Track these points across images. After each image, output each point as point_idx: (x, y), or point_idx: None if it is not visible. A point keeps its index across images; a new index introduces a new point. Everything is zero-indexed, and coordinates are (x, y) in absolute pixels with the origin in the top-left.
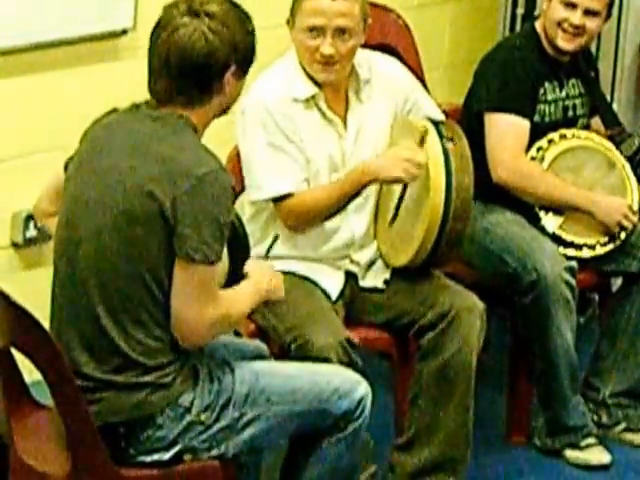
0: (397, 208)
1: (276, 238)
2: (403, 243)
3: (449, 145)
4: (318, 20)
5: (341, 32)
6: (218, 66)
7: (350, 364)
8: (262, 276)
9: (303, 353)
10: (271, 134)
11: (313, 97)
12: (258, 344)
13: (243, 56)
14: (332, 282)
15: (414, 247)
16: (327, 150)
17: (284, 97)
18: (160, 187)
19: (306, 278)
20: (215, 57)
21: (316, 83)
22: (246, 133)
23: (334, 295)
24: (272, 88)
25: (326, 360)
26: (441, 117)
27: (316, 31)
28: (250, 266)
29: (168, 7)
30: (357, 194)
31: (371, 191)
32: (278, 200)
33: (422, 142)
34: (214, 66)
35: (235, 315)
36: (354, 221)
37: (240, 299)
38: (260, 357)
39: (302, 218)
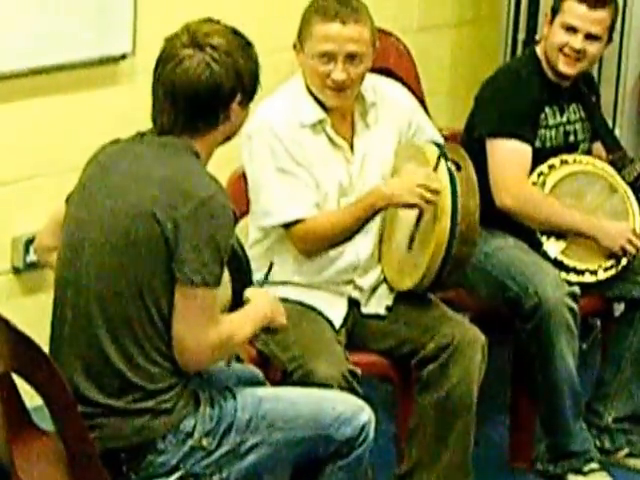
0: (413, 234)
1: (271, 266)
2: (409, 266)
3: (454, 168)
4: (329, 46)
5: (352, 57)
6: (224, 96)
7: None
8: (263, 302)
9: (305, 384)
10: (280, 159)
11: (320, 122)
12: (253, 369)
13: (248, 84)
14: (335, 310)
15: (420, 271)
16: (336, 175)
17: (291, 122)
18: (162, 210)
19: (309, 306)
20: (221, 88)
21: (323, 108)
22: (253, 158)
23: (337, 324)
24: (279, 112)
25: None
26: (441, 141)
27: (327, 57)
28: (251, 292)
29: (170, 39)
30: (370, 218)
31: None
32: (289, 225)
33: (437, 167)
34: (220, 96)
35: (237, 339)
36: (359, 244)
37: (242, 323)
38: (257, 383)
39: (314, 243)
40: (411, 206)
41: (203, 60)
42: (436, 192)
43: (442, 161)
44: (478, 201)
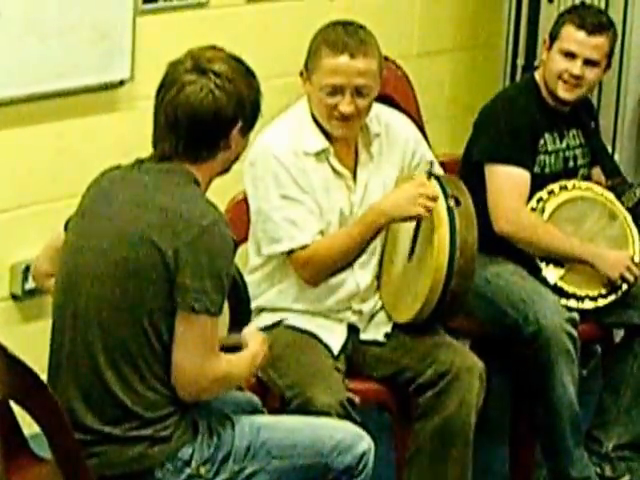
0: (413, 243)
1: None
2: (407, 300)
3: (453, 203)
4: (337, 80)
5: (360, 90)
6: (226, 123)
7: None
8: (259, 349)
9: (303, 411)
10: (284, 186)
11: (323, 151)
12: (251, 396)
13: (249, 112)
14: (334, 336)
15: (418, 304)
16: (338, 203)
17: (295, 150)
18: (162, 237)
19: (308, 332)
20: (223, 114)
21: (326, 137)
22: (257, 185)
23: (336, 350)
24: (282, 140)
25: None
26: (440, 172)
27: (335, 90)
28: (249, 335)
29: (173, 64)
30: (373, 238)
31: (376, 246)
32: (292, 252)
33: (429, 176)
34: (222, 123)
35: (236, 375)
36: (359, 275)
37: (241, 363)
38: (255, 411)
39: (317, 268)
40: (413, 218)
41: (206, 86)
42: (434, 199)
43: (432, 176)
44: (476, 235)
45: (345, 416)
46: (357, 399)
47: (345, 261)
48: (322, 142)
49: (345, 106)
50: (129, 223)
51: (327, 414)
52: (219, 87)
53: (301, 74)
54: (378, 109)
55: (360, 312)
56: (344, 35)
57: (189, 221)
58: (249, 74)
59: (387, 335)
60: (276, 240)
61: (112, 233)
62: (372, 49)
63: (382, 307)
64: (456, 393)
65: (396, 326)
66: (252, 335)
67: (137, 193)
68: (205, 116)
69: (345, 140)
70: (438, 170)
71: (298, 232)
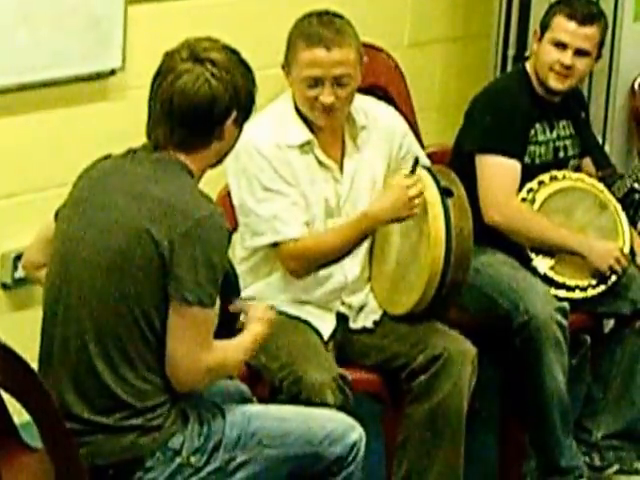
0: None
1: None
2: (403, 293)
3: (447, 195)
4: (315, 72)
5: (339, 80)
6: (220, 112)
7: (344, 400)
8: (260, 332)
9: (296, 390)
10: (268, 179)
11: (307, 143)
12: (241, 385)
13: (244, 103)
14: (324, 323)
15: (415, 297)
16: (323, 194)
17: (279, 142)
18: (157, 228)
19: (298, 318)
20: (218, 103)
21: (310, 129)
22: (240, 178)
23: (326, 335)
24: (265, 133)
25: (319, 397)
26: (428, 164)
27: (314, 81)
28: (254, 314)
29: (170, 53)
30: (362, 240)
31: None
32: (277, 244)
33: (413, 170)
34: (217, 112)
35: (231, 363)
36: (347, 266)
37: (237, 347)
38: (245, 399)
39: (303, 263)
40: (404, 219)
41: (202, 75)
42: (421, 194)
43: (429, 187)
44: (471, 225)
45: (339, 392)
46: (349, 375)
47: (334, 258)
48: (305, 134)
49: (326, 97)
50: (123, 214)
51: (319, 393)
52: (215, 76)
53: (283, 67)
54: (365, 101)
55: (350, 305)
56: (319, 26)
57: (184, 213)
58: (245, 65)
59: (376, 322)
60: (259, 233)
61: (106, 223)
62: (348, 38)
63: (373, 297)
64: (448, 377)
65: (386, 313)
66: (258, 314)
67: (131, 184)
68: (200, 104)
69: (330, 131)
70: (426, 163)
71: (281, 225)
